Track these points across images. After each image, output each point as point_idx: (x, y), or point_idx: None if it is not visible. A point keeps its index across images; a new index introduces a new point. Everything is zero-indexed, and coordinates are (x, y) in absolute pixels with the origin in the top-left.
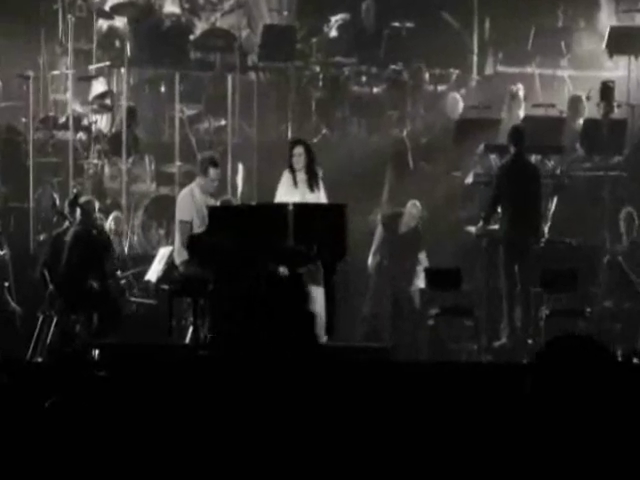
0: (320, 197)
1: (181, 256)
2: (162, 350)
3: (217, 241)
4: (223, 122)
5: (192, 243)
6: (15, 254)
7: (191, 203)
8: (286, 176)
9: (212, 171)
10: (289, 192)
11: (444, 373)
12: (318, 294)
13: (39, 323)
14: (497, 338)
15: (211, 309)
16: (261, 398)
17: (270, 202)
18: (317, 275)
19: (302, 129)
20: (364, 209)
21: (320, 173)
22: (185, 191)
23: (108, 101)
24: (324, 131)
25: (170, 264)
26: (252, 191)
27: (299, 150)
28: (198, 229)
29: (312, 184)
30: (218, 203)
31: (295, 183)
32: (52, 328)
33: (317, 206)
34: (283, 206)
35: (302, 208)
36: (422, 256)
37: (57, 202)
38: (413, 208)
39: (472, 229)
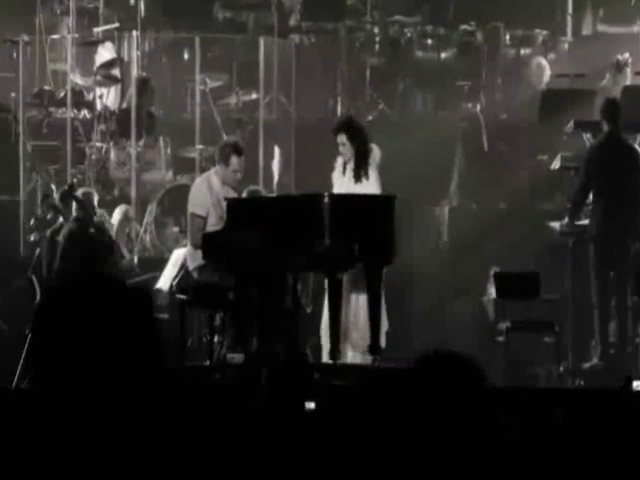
0: (367, 189)
1: (195, 260)
2: (172, 374)
3: (238, 241)
4: (254, 96)
5: (207, 243)
6: (1, 257)
7: (207, 194)
8: (338, 162)
9: (235, 160)
10: (338, 181)
11: (518, 400)
12: (361, 304)
13: (27, 342)
14: (587, 358)
15: (231, 323)
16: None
17: (302, 193)
18: (360, 281)
19: (354, 104)
20: (429, 200)
21: (377, 156)
22: (201, 179)
23: (116, 71)
24: (381, 106)
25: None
26: (290, 180)
27: (342, 139)
28: (215, 227)
29: (359, 173)
30: (244, 195)
31: (344, 170)
32: None
33: (359, 198)
34: (317, 197)
35: (340, 200)
36: None
37: (54, 194)
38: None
39: (556, 225)
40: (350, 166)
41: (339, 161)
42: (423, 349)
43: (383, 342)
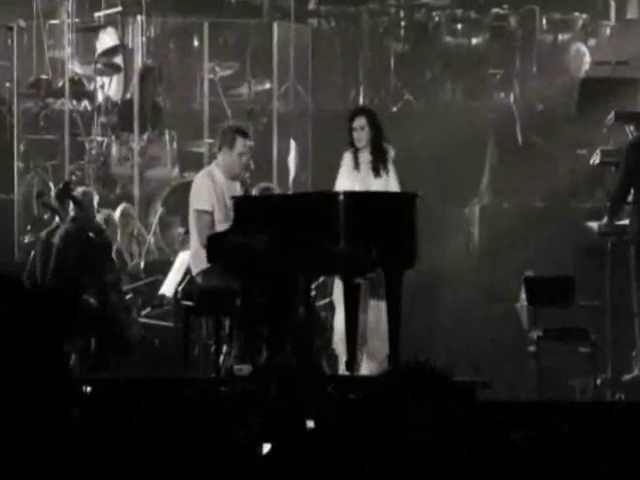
0: (389, 184)
1: (199, 264)
2: (174, 386)
3: (245, 242)
4: (268, 85)
5: (212, 245)
6: None
7: (210, 188)
8: (347, 157)
9: (240, 142)
10: (350, 177)
11: (552, 416)
12: (382, 310)
13: None
14: (627, 370)
15: (239, 331)
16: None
17: (316, 190)
18: (378, 287)
19: (377, 94)
20: (458, 199)
21: (392, 153)
22: (202, 173)
23: (118, 59)
24: (406, 97)
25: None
26: (307, 178)
27: (360, 122)
28: (221, 224)
29: (378, 167)
30: (255, 192)
31: (357, 165)
32: None
33: (377, 196)
34: (331, 196)
35: (356, 198)
36: None
37: (52, 192)
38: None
39: (594, 225)
40: (365, 158)
41: (347, 157)
42: (451, 361)
43: None
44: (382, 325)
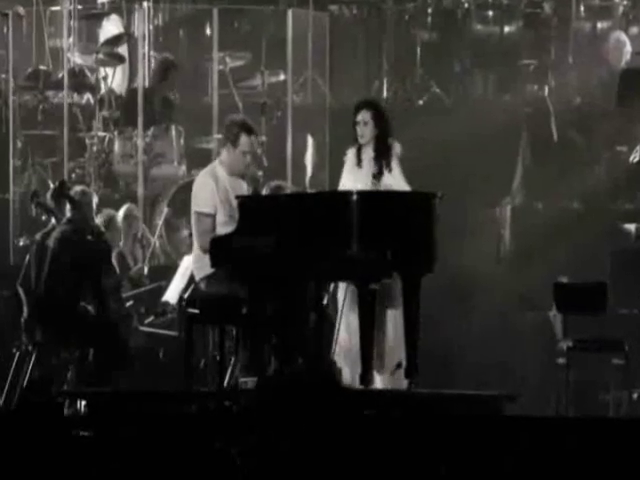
0: (394, 183)
1: (202, 269)
2: (175, 401)
3: (251, 245)
4: (282, 77)
5: (216, 249)
6: None
7: (213, 188)
8: (350, 153)
9: (244, 140)
10: (352, 175)
11: (583, 433)
12: (390, 318)
13: (14, 362)
14: None
15: (245, 341)
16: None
17: (328, 190)
18: (394, 293)
19: (402, 87)
20: (488, 199)
21: (397, 149)
22: (204, 172)
23: (122, 49)
24: (433, 89)
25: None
26: (325, 176)
27: (364, 116)
28: (225, 226)
29: (381, 165)
30: (266, 191)
31: (359, 162)
32: (30, 369)
33: (392, 195)
34: (344, 195)
35: (371, 198)
36: None
37: (49, 191)
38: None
39: (631, 227)
40: (368, 154)
41: (350, 153)
42: (478, 372)
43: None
44: (390, 334)
